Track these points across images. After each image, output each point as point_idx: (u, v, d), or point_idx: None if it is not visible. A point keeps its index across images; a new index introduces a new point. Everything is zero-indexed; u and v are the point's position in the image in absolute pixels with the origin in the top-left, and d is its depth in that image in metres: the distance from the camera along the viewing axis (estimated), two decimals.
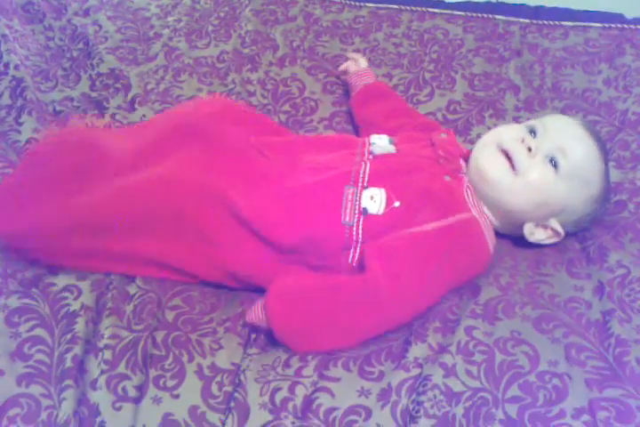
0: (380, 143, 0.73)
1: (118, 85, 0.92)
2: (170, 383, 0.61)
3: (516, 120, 0.88)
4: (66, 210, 0.66)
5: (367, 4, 1.07)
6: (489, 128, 0.87)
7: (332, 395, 0.60)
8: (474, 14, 1.03)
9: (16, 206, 0.68)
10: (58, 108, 0.88)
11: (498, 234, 0.72)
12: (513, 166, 0.68)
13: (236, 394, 0.60)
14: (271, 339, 0.63)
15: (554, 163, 0.68)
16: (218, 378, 0.61)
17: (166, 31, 1.02)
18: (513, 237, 0.72)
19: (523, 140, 0.69)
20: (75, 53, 0.97)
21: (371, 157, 0.71)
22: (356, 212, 0.66)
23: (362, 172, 0.68)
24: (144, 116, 0.89)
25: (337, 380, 0.61)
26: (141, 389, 0.60)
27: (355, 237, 0.65)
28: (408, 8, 1.06)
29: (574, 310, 0.66)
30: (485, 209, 0.70)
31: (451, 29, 1.01)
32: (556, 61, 0.95)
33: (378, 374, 0.61)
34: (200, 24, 1.04)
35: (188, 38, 1.01)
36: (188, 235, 0.65)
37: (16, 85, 0.89)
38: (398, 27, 1.03)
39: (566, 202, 0.69)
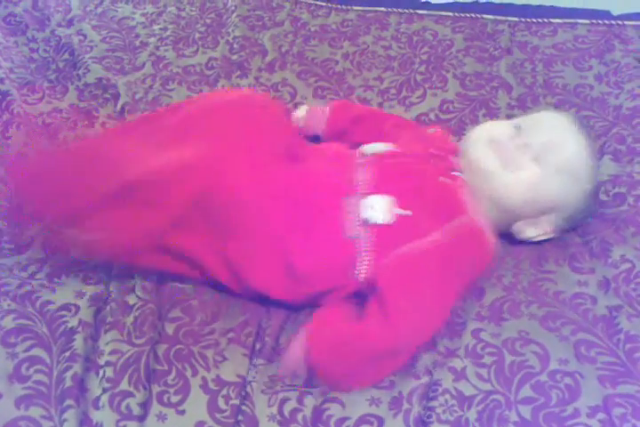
0: (372, 145, 0.72)
1: (107, 95, 0.91)
2: (174, 399, 0.59)
3: (510, 119, 0.86)
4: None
5: (354, 8, 1.07)
6: None
7: (343, 405, 0.59)
8: (462, 14, 1.03)
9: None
10: (47, 120, 0.87)
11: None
12: (505, 161, 0.68)
13: (243, 407, 0.59)
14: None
15: (544, 160, 0.67)
16: (224, 391, 0.60)
17: (152, 40, 1.01)
18: (511, 235, 0.72)
19: (512, 138, 0.69)
20: (60, 64, 0.96)
21: (363, 160, 0.70)
22: (358, 223, 0.64)
23: (359, 178, 0.67)
24: None
25: None
26: (145, 406, 0.58)
27: (364, 250, 0.63)
28: (395, 10, 1.05)
29: (580, 306, 0.66)
30: (482, 208, 0.69)
31: (439, 30, 1.01)
32: (547, 58, 0.95)
33: (388, 382, 0.60)
34: (186, 32, 1.03)
35: (175, 46, 1.00)
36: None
37: (1, 99, 0.87)
38: (387, 29, 1.02)
39: (557, 198, 0.68)
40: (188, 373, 0.61)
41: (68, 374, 0.60)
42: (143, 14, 1.06)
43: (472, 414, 0.57)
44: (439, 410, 0.57)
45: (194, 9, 1.07)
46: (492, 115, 0.88)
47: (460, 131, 0.86)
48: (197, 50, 1.00)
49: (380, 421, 0.58)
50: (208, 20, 1.05)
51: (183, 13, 1.07)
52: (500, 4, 1.06)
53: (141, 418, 0.58)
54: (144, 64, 0.97)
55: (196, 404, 0.59)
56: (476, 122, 0.87)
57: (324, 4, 1.08)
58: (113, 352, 0.62)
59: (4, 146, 0.81)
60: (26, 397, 0.59)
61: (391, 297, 0.60)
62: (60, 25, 1.02)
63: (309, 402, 0.59)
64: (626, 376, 0.59)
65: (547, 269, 0.69)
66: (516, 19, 1.02)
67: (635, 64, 0.92)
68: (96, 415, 0.58)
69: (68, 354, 0.61)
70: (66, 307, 0.65)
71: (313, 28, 1.03)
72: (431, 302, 0.61)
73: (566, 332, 0.63)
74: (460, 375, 0.60)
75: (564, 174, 0.67)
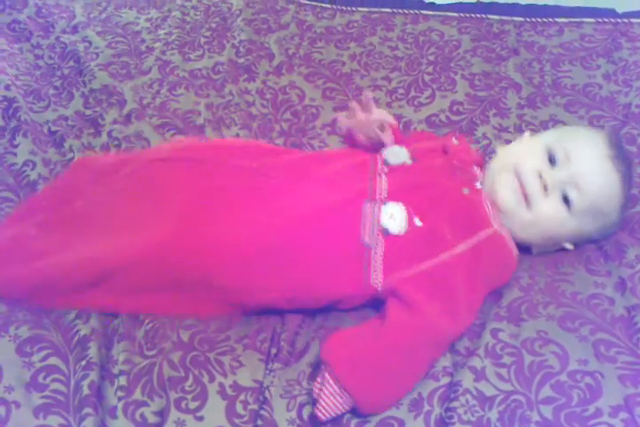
0: (396, 151, 0.70)
1: (112, 100, 0.91)
2: (192, 405, 0.59)
3: (521, 118, 0.88)
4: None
5: (359, 9, 1.07)
6: (494, 127, 0.87)
7: None
8: (467, 15, 1.03)
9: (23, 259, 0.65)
10: (53, 128, 0.86)
11: None
12: (526, 199, 0.67)
13: (262, 411, 0.58)
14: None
15: (568, 200, 0.66)
16: (242, 397, 0.59)
17: (158, 44, 1.01)
18: None
19: (540, 175, 0.66)
20: (65, 71, 0.95)
21: (386, 169, 0.68)
22: (376, 232, 0.63)
23: (378, 186, 0.66)
24: (141, 131, 0.87)
25: None
26: (162, 414, 0.58)
27: (373, 262, 0.63)
28: (401, 11, 1.05)
29: (598, 306, 0.65)
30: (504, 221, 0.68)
31: (446, 31, 1.01)
32: (554, 58, 0.95)
33: None
34: (192, 36, 1.03)
35: (180, 51, 1.00)
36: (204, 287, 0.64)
37: (8, 106, 0.87)
38: (392, 30, 1.02)
39: (579, 233, 0.69)
40: (205, 379, 0.60)
41: (85, 382, 0.59)
42: (148, 19, 1.06)
43: (493, 415, 0.57)
44: (460, 411, 0.57)
45: (198, 13, 1.07)
46: (503, 115, 0.88)
47: (471, 131, 0.86)
48: (203, 54, 1.00)
49: (401, 423, 0.57)
50: (213, 24, 1.05)
51: (188, 18, 1.07)
52: (506, 5, 1.06)
53: (159, 425, 0.57)
54: (150, 69, 0.97)
55: (215, 410, 0.58)
56: (486, 122, 0.87)
57: (328, 5, 1.08)
58: (126, 362, 0.61)
59: None
60: (44, 406, 0.58)
61: (419, 298, 0.60)
62: (64, 31, 1.02)
63: None
64: None
65: (563, 271, 0.69)
66: (521, 19, 1.02)
67: None
68: (113, 424, 0.57)
69: (84, 363, 0.61)
70: (78, 315, 0.65)
71: (319, 30, 1.03)
72: (461, 306, 0.61)
73: (585, 332, 0.63)
74: (480, 376, 0.59)
75: (588, 213, 0.67)
